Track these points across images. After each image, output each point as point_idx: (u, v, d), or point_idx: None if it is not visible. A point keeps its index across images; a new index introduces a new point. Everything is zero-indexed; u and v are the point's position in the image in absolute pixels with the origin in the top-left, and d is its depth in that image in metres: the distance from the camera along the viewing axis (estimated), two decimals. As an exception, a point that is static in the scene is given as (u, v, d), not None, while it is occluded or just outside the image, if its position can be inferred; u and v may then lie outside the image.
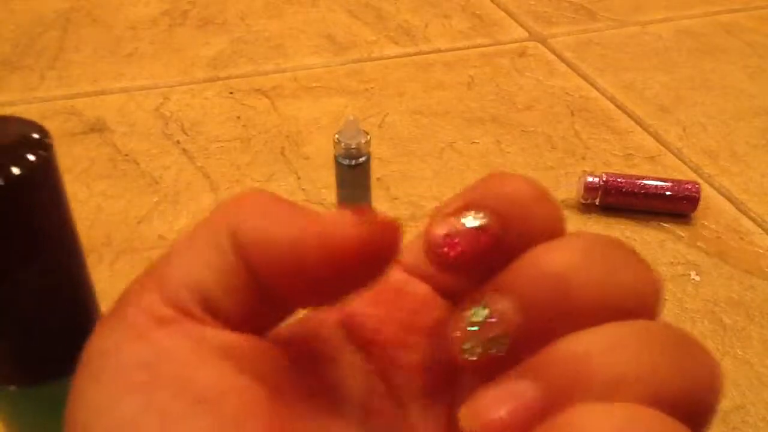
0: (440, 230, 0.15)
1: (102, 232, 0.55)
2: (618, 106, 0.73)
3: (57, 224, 0.25)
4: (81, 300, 0.27)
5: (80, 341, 0.14)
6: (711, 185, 0.62)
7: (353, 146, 0.49)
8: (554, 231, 0.15)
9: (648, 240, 0.56)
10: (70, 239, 0.26)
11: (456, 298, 0.16)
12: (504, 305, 0.14)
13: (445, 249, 0.14)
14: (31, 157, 0.24)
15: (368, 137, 0.49)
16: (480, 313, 0.14)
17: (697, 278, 0.53)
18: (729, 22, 0.90)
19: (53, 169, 0.25)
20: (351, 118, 0.48)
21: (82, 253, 0.27)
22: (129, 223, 0.56)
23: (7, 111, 0.71)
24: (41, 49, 0.82)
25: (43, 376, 0.26)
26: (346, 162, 0.49)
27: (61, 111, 0.71)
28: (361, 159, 0.49)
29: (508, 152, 0.66)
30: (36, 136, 0.25)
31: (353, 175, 0.50)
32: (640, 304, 0.14)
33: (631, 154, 0.66)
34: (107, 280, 0.51)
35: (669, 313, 0.50)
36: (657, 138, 0.69)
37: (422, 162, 0.64)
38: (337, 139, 0.49)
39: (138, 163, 0.63)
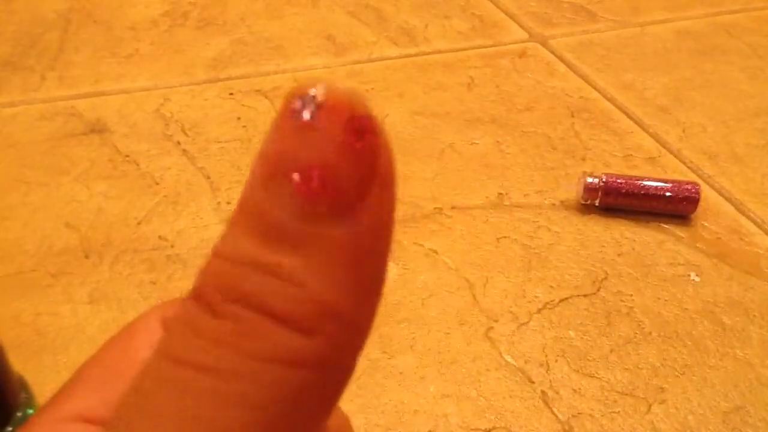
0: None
1: (102, 233, 0.55)
2: (618, 107, 0.73)
3: None
4: None
5: None
6: (711, 186, 0.62)
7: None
8: None
9: (648, 241, 0.56)
10: None
11: None
12: None
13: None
14: None
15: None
16: None
17: (697, 279, 0.53)
18: (729, 22, 0.90)
19: None
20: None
21: None
22: (129, 224, 0.56)
23: (9, 111, 0.71)
24: (42, 49, 0.82)
25: None
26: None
27: (62, 112, 0.71)
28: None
29: (508, 153, 0.66)
30: None
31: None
32: None
33: (630, 154, 0.66)
34: (107, 281, 0.51)
35: (669, 313, 0.50)
36: (657, 139, 0.69)
37: (422, 163, 0.64)
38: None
39: (138, 164, 0.63)
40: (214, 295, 0.10)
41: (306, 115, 0.10)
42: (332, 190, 0.10)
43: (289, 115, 0.10)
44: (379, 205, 0.10)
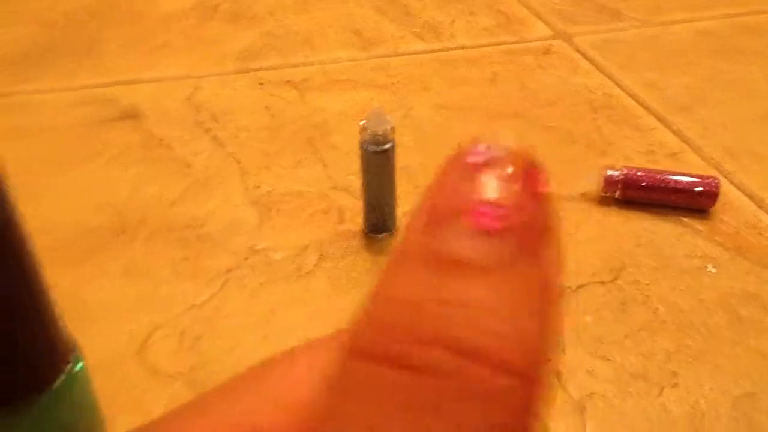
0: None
1: (137, 212, 0.58)
2: (640, 104, 0.74)
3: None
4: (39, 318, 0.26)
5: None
6: (730, 182, 0.63)
7: (379, 133, 0.50)
8: None
9: (666, 233, 0.57)
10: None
11: None
12: None
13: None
14: None
15: (393, 125, 0.51)
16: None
17: (714, 271, 0.54)
18: (749, 23, 0.91)
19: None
20: (377, 106, 0.50)
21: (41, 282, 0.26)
22: (162, 204, 0.58)
23: (48, 97, 0.73)
24: (79, 39, 0.85)
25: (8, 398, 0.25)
26: (371, 148, 0.51)
27: (99, 98, 0.73)
28: (386, 146, 0.51)
29: (530, 146, 0.67)
30: None
31: (378, 161, 0.52)
32: None
33: (652, 150, 0.67)
34: (141, 256, 0.53)
35: (685, 303, 0.51)
36: (678, 135, 0.69)
37: (445, 154, 0.66)
38: (363, 125, 0.51)
39: (171, 149, 0.65)
40: (398, 342, 0.09)
41: (486, 159, 0.10)
42: (520, 228, 0.10)
43: (467, 160, 0.10)
44: (555, 252, 0.10)
